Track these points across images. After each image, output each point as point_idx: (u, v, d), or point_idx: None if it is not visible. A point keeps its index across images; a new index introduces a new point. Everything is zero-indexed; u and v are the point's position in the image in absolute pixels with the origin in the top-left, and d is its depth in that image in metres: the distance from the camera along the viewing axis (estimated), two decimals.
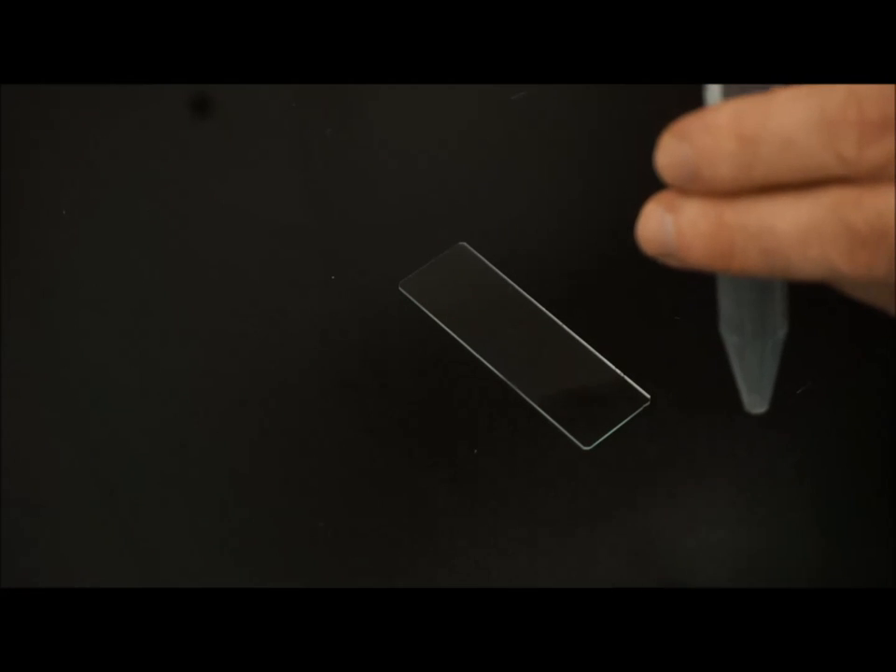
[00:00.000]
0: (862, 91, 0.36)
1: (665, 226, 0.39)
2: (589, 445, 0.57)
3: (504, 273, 0.63)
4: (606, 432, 0.57)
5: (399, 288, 0.63)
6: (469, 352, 0.60)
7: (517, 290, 0.62)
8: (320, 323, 0.62)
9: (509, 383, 0.59)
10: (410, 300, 0.62)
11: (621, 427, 0.58)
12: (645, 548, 0.55)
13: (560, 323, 0.61)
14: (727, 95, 0.38)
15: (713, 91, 0.39)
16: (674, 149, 0.38)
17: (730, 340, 0.42)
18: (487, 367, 0.60)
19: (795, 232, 0.37)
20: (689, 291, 0.62)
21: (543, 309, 0.61)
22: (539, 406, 0.58)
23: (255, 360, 0.61)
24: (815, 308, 0.60)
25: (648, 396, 0.58)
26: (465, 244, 0.64)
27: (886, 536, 0.54)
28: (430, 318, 0.61)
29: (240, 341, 0.62)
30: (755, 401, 0.44)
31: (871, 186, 0.36)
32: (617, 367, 0.59)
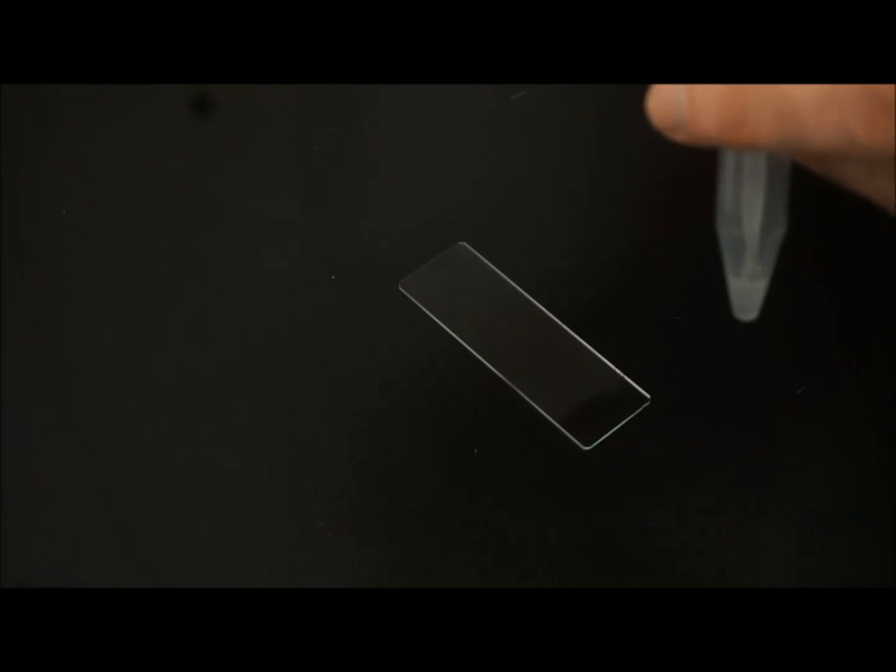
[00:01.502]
0: None
1: (677, 95, 0.38)
2: (589, 445, 0.57)
3: (504, 273, 0.63)
4: (606, 432, 0.57)
5: (399, 288, 0.63)
6: (468, 352, 0.60)
7: (517, 290, 0.62)
8: (320, 323, 0.62)
9: (509, 383, 0.59)
10: (410, 300, 0.62)
11: (621, 426, 0.58)
12: (645, 548, 0.55)
13: (560, 323, 0.61)
14: None
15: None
16: None
17: (725, 234, 0.41)
18: (487, 367, 0.60)
19: (814, 96, 0.36)
20: (689, 291, 0.62)
21: (543, 309, 0.61)
22: (539, 406, 0.58)
23: (255, 360, 0.61)
24: (815, 308, 0.61)
25: (648, 396, 0.58)
26: (465, 244, 0.64)
27: (885, 536, 0.54)
28: (430, 318, 0.61)
29: (240, 341, 0.62)
30: (744, 306, 0.42)
31: None
32: (617, 367, 0.59)
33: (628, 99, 0.69)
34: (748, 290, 0.42)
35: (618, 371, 0.59)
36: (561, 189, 0.67)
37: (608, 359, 0.60)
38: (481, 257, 0.63)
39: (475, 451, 0.58)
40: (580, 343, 0.60)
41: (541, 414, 0.58)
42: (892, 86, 0.35)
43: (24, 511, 0.57)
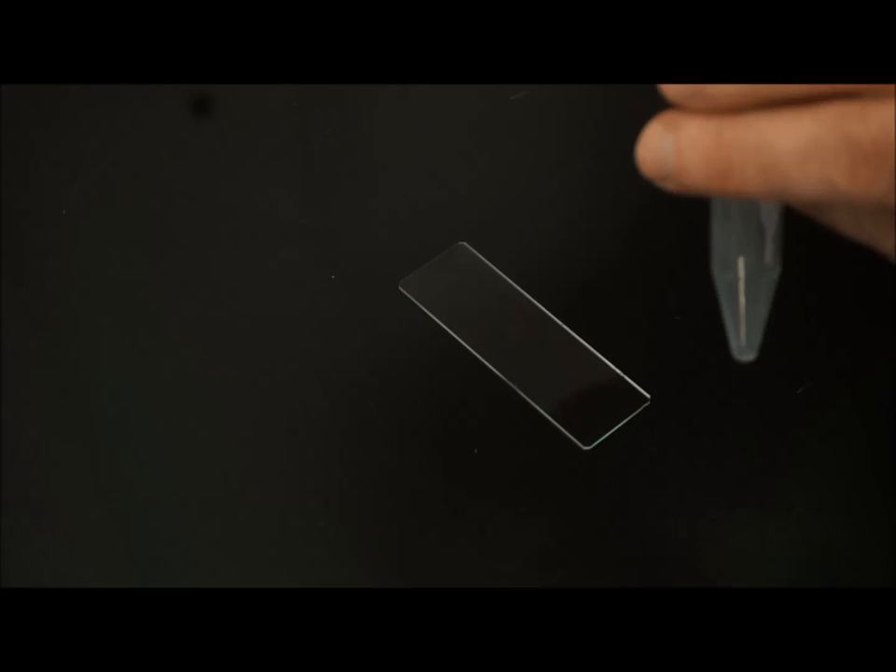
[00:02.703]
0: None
1: (664, 145, 0.38)
2: (589, 445, 0.57)
3: (504, 273, 0.63)
4: (606, 432, 0.57)
5: (399, 288, 0.63)
6: (468, 352, 0.60)
7: (517, 290, 0.62)
8: (320, 323, 0.62)
9: (508, 382, 0.59)
10: (410, 300, 0.62)
11: (621, 426, 0.58)
12: (645, 548, 0.55)
13: (560, 323, 0.61)
14: None
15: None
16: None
17: (721, 279, 0.41)
18: (487, 367, 0.60)
19: (795, 148, 0.36)
20: (689, 291, 0.62)
21: (543, 309, 0.61)
22: (539, 406, 0.58)
23: (254, 360, 0.61)
24: (815, 308, 0.61)
25: (648, 396, 0.58)
26: (465, 244, 0.64)
27: (886, 536, 0.54)
28: (430, 318, 0.61)
29: (240, 340, 0.62)
30: (743, 347, 0.42)
31: (875, 98, 0.36)
32: (617, 367, 0.59)
33: (628, 99, 0.69)
34: (747, 330, 0.42)
35: (618, 371, 0.59)
36: (561, 189, 0.67)
37: (608, 359, 0.60)
38: (481, 257, 0.63)
39: (475, 451, 0.58)
40: (580, 342, 0.60)
41: (541, 414, 0.58)
42: (871, 136, 0.36)
43: (24, 511, 0.57)
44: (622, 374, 0.59)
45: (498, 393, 0.59)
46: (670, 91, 0.38)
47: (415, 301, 0.62)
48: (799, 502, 0.56)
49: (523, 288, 0.62)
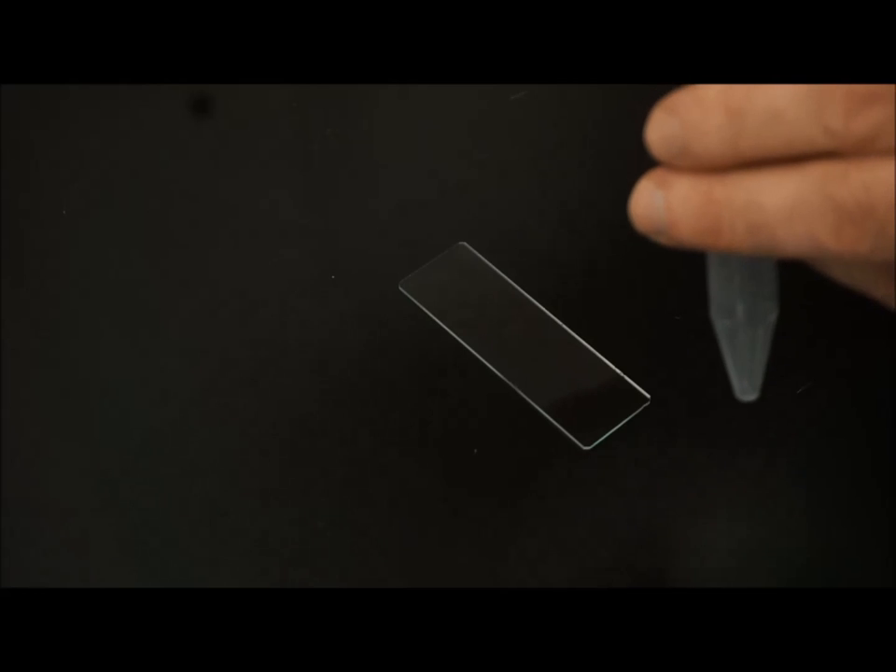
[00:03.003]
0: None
1: (655, 202, 0.39)
2: (589, 445, 0.57)
3: (504, 273, 0.63)
4: (606, 432, 0.57)
5: (399, 288, 0.63)
6: (468, 352, 0.60)
7: (517, 290, 0.62)
8: (320, 323, 0.62)
9: (509, 383, 0.59)
10: (410, 300, 0.62)
11: (621, 426, 0.58)
12: (645, 548, 0.55)
13: (560, 323, 0.61)
14: None
15: None
16: (663, 124, 0.38)
17: (720, 325, 0.42)
18: (487, 367, 0.60)
19: (782, 207, 0.37)
20: (689, 291, 0.62)
21: (543, 309, 0.61)
22: (539, 406, 0.58)
23: (255, 360, 0.61)
24: (815, 308, 0.60)
25: (648, 396, 0.58)
26: (465, 244, 0.64)
27: (886, 536, 0.54)
28: (430, 318, 0.61)
29: (240, 340, 0.62)
30: (746, 388, 0.43)
31: (857, 159, 0.36)
32: (617, 367, 0.59)
33: (628, 99, 0.69)
34: (748, 372, 0.43)
35: (618, 371, 0.59)
36: (561, 189, 0.67)
37: (608, 359, 0.60)
38: (481, 257, 0.63)
39: (475, 451, 0.58)
40: (580, 342, 0.60)
41: (541, 414, 0.58)
42: (854, 197, 0.36)
43: (24, 511, 0.57)
44: (622, 374, 0.59)
45: (498, 393, 0.59)
46: (656, 148, 0.39)
47: (415, 301, 0.62)
48: (799, 502, 0.56)
49: (523, 288, 0.62)
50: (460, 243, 0.64)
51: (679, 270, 0.63)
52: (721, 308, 0.41)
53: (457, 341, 0.61)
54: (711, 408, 0.58)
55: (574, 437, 0.57)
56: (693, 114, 0.37)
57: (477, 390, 0.59)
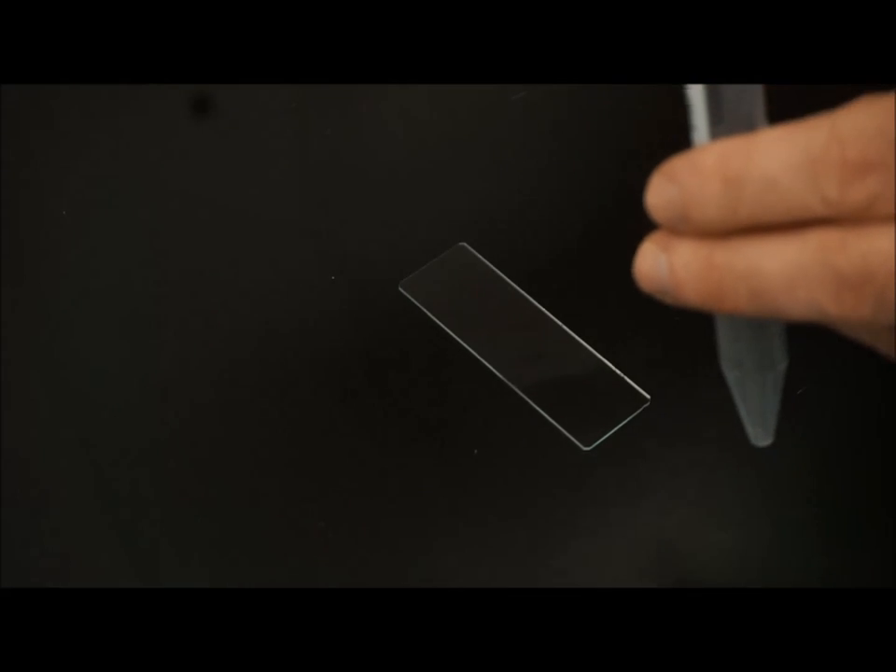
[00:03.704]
0: (844, 130, 0.36)
1: (659, 265, 0.39)
2: (589, 445, 0.57)
3: (504, 273, 0.63)
4: (606, 432, 0.57)
5: (399, 288, 0.63)
6: (468, 352, 0.60)
7: (517, 290, 0.62)
8: (320, 323, 0.62)
9: (509, 383, 0.59)
10: (410, 300, 0.62)
11: (621, 427, 0.58)
12: (645, 548, 0.55)
13: (560, 323, 0.61)
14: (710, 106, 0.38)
15: (697, 100, 0.39)
16: (663, 190, 0.38)
17: (730, 375, 0.42)
18: (487, 367, 0.60)
19: (782, 274, 0.37)
20: None
21: (543, 309, 0.61)
22: (539, 406, 0.58)
23: (255, 360, 0.61)
24: None
25: (648, 396, 0.58)
26: (465, 244, 0.64)
27: (886, 536, 0.54)
28: (430, 318, 0.61)
29: (240, 341, 0.62)
30: (759, 434, 0.44)
31: (855, 227, 0.36)
32: (617, 367, 0.59)
33: (628, 99, 0.69)
34: (760, 419, 0.43)
35: (618, 371, 0.59)
36: (561, 190, 0.67)
37: (608, 359, 0.60)
38: (481, 257, 0.63)
39: (475, 451, 0.58)
40: (580, 343, 0.60)
41: (541, 414, 0.58)
42: (853, 266, 0.36)
43: (24, 511, 0.57)
44: (622, 375, 0.59)
45: (498, 393, 0.59)
46: (657, 213, 0.39)
47: (415, 302, 0.62)
48: (799, 502, 0.56)
49: (523, 288, 0.62)
50: (460, 243, 0.64)
51: None
52: (730, 359, 0.42)
53: (457, 341, 0.61)
54: (711, 408, 0.58)
55: (574, 437, 0.57)
56: (690, 182, 0.38)
57: (477, 390, 0.59)
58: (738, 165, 0.37)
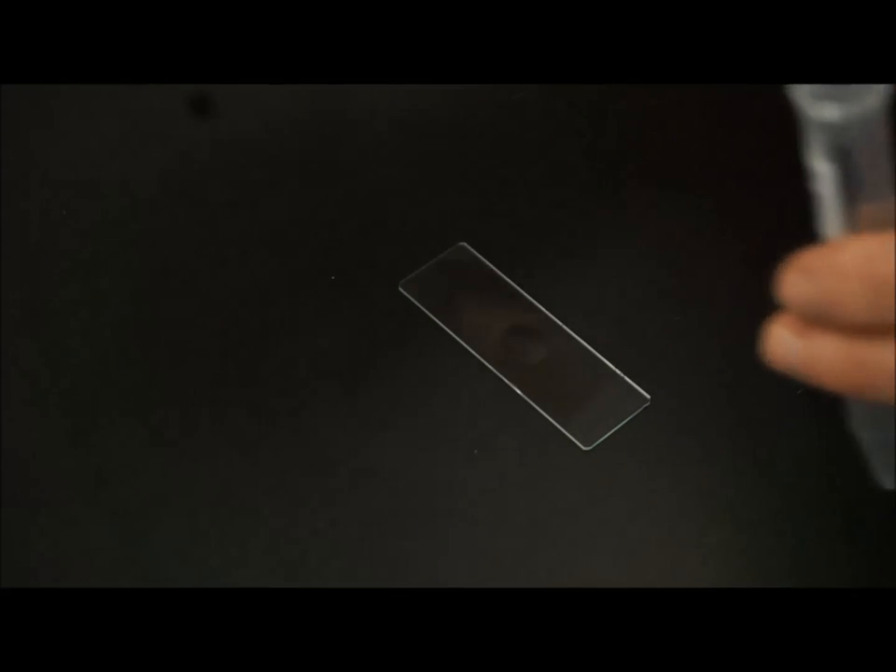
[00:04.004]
0: None
1: (793, 350, 0.38)
2: (589, 445, 0.57)
3: (504, 273, 0.63)
4: (606, 432, 0.57)
5: (399, 288, 0.63)
6: (468, 352, 0.60)
7: (517, 290, 0.62)
8: (320, 323, 0.62)
9: (509, 383, 0.59)
10: (410, 300, 0.62)
11: (621, 426, 0.58)
12: (645, 548, 0.55)
13: (560, 323, 0.61)
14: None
15: (826, 178, 0.37)
16: (801, 287, 0.37)
17: (866, 437, 0.42)
18: (487, 367, 0.60)
19: None
20: (689, 292, 0.62)
21: (543, 309, 0.61)
22: (540, 406, 0.58)
23: (255, 360, 0.61)
24: None
25: (648, 396, 0.58)
26: (465, 244, 0.64)
27: (886, 536, 0.54)
28: (430, 318, 0.61)
29: (240, 341, 0.62)
30: (889, 480, 0.44)
31: None
32: (617, 367, 0.59)
33: (628, 99, 0.69)
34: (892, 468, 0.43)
35: (618, 371, 0.59)
36: (561, 190, 0.67)
37: (608, 359, 0.60)
38: (481, 257, 0.63)
39: (475, 451, 0.58)
40: (580, 343, 0.60)
41: (541, 414, 0.58)
42: None
43: (24, 511, 0.57)
44: (622, 374, 0.59)
45: (498, 393, 0.59)
46: (794, 307, 0.37)
47: (415, 302, 0.62)
48: (799, 502, 0.56)
49: (522, 288, 0.62)
50: (460, 243, 0.64)
51: (680, 270, 0.63)
52: (865, 422, 0.41)
53: (457, 341, 0.61)
54: (711, 408, 0.58)
55: (574, 437, 0.57)
56: (831, 283, 0.36)
57: (477, 390, 0.59)
58: (886, 270, 0.35)
